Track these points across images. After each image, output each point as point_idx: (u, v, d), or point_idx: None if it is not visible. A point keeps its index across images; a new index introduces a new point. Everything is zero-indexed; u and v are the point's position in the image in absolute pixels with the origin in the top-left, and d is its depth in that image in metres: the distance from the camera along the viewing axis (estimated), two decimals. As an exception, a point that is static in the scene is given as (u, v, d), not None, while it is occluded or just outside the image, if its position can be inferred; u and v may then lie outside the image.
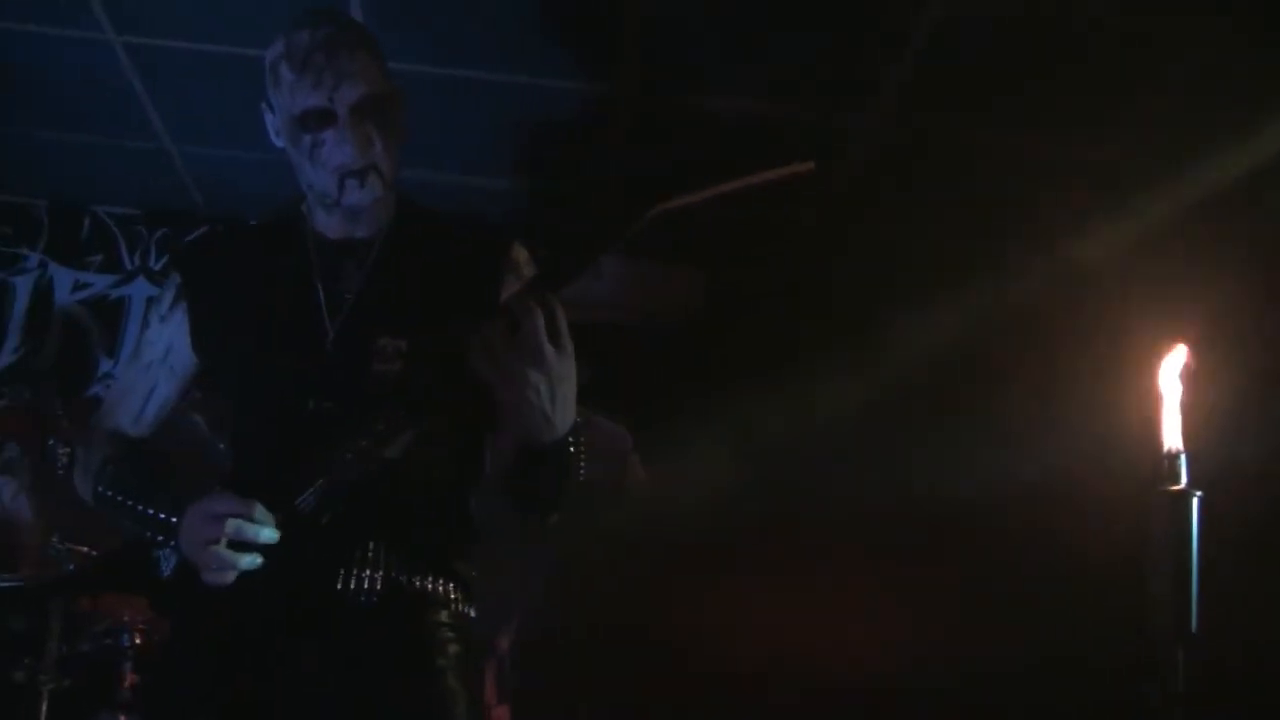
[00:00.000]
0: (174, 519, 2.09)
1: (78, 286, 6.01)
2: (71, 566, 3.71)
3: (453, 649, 2.17)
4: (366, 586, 2.11)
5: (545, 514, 2.29)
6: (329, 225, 2.31)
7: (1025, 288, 5.16)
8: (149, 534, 2.16)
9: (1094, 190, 4.96)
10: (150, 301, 2.49)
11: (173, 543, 2.09)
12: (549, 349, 1.91)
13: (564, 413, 1.99)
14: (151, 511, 2.15)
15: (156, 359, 2.36)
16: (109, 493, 2.26)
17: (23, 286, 6.02)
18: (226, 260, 2.38)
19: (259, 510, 1.99)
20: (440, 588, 2.21)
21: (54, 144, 5.49)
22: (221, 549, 1.97)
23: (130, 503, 2.20)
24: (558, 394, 1.95)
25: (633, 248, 1.87)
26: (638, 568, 4.90)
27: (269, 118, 2.28)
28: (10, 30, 4.57)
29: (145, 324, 2.41)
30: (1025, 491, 4.77)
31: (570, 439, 2.05)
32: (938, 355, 5.16)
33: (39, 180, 5.92)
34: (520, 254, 2.30)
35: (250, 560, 1.98)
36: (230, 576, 1.98)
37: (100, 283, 6.00)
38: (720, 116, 4.73)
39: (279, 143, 2.28)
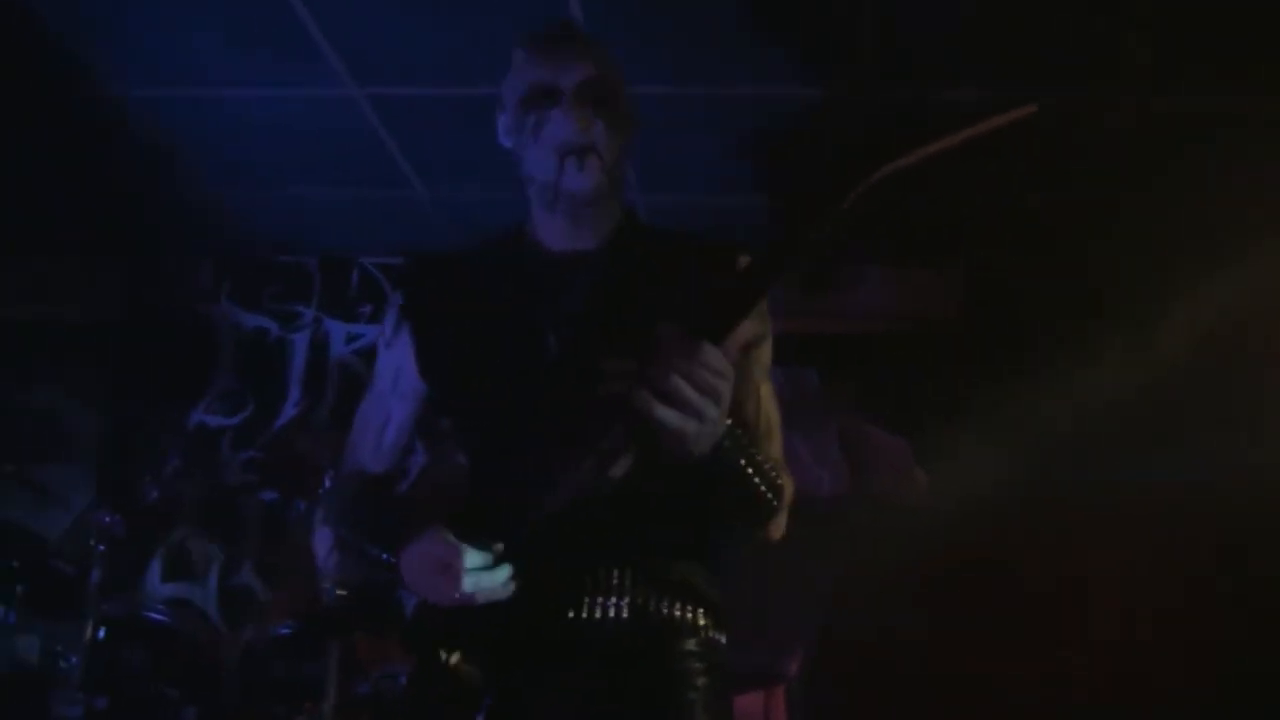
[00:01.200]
0: (392, 559, 2.07)
1: (350, 338, 6.21)
2: (337, 609, 3.78)
3: (701, 681, 2.07)
4: (612, 615, 2.04)
5: (747, 526, 2.17)
6: (551, 233, 2.25)
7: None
8: (383, 576, 2.13)
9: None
10: (350, 336, 2.50)
11: (400, 582, 2.07)
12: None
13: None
14: (374, 552, 2.14)
15: (387, 388, 2.35)
16: (347, 536, 2.26)
17: (300, 342, 6.26)
18: (447, 279, 2.35)
19: (471, 555, 1.94)
20: (688, 614, 2.11)
21: (316, 201, 5.69)
22: (457, 595, 1.94)
23: (362, 544, 2.20)
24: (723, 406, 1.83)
25: (853, 220, 1.73)
26: (926, 579, 4.76)
27: (500, 119, 2.28)
28: (262, 96, 4.74)
29: (376, 356, 2.41)
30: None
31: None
32: (1214, 335, 4.85)
33: (308, 238, 6.16)
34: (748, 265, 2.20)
35: (491, 597, 1.94)
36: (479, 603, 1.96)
37: (371, 333, 6.16)
38: (960, 106, 4.53)
39: (506, 142, 2.27)
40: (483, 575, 1.93)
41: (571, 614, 2.04)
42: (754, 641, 4.40)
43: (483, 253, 2.36)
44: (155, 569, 4.99)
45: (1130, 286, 5.10)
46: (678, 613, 2.10)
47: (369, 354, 6.10)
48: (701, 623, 2.12)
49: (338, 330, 6.23)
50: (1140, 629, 4.85)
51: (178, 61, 4.54)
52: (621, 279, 2.21)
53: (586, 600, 2.04)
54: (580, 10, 4.07)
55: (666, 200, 5.13)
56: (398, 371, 2.33)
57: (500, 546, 1.97)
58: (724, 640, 2.17)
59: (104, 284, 6.38)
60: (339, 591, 3.80)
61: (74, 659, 3.82)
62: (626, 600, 2.05)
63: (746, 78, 4.50)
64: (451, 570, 1.93)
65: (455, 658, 2.04)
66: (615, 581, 2.06)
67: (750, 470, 1.97)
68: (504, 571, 1.94)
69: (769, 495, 2.05)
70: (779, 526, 2.17)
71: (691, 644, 2.10)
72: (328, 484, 2.41)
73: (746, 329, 2.06)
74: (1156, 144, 4.76)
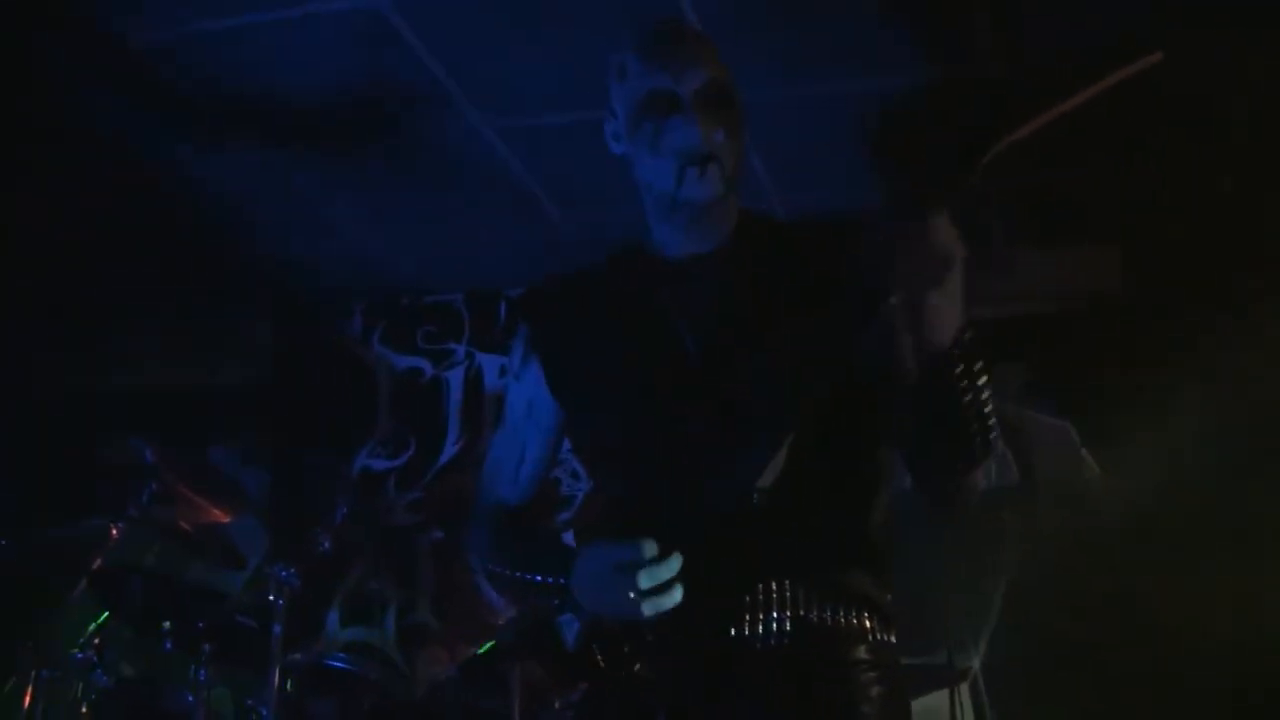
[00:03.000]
0: (562, 580, 2.04)
1: (504, 371, 6.23)
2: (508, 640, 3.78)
3: (875, 690, 2.02)
4: (775, 629, 1.99)
5: (955, 470, 2.05)
6: (670, 240, 2.20)
7: None
8: (546, 601, 2.11)
9: None
10: (503, 369, 2.48)
11: (571, 605, 2.04)
12: (948, 253, 1.75)
13: (953, 321, 1.82)
14: (539, 578, 2.10)
15: (520, 420, 2.32)
16: (497, 569, 2.24)
17: (455, 379, 6.33)
18: (569, 300, 2.33)
19: (649, 546, 1.89)
20: (854, 620, 2.05)
21: (458, 237, 5.76)
22: (639, 599, 1.88)
23: (518, 574, 2.17)
24: (950, 305, 1.80)
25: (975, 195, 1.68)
26: (1100, 569, 4.62)
27: (609, 125, 2.25)
28: (401, 138, 4.82)
29: (505, 390, 2.39)
30: None
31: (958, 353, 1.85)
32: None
33: (454, 275, 6.24)
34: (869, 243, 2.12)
35: (672, 599, 1.89)
36: (668, 605, 1.89)
37: (524, 363, 6.20)
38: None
39: (617, 149, 2.24)
40: (659, 569, 1.88)
41: (734, 631, 2.00)
42: (934, 641, 4.33)
43: (602, 268, 2.33)
44: (333, 616, 5.07)
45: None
46: (843, 619, 2.04)
47: (523, 385, 6.14)
48: (869, 625, 2.07)
49: (490, 364, 6.29)
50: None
51: (313, 111, 4.64)
52: (748, 274, 2.16)
53: (748, 616, 2.00)
54: (694, 14, 4.03)
55: (800, 200, 5.07)
56: (530, 403, 2.31)
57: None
58: (894, 640, 2.12)
59: (256, 342, 6.54)
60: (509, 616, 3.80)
61: (265, 711, 3.89)
62: (789, 613, 2.00)
63: (863, 72, 4.42)
64: (629, 567, 1.88)
65: (625, 690, 2.03)
66: (776, 594, 2.01)
67: (966, 390, 1.88)
68: (676, 562, 1.89)
69: (977, 428, 1.93)
70: (974, 487, 2.09)
71: (861, 651, 2.04)
72: (477, 535, 2.38)
73: None
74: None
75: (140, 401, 6.45)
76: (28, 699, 4.24)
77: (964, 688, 4.46)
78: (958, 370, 1.85)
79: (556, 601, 2.07)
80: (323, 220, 5.52)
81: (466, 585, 5.07)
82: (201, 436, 5.90)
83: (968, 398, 1.88)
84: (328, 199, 5.35)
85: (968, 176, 1.69)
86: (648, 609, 1.87)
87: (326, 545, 4.29)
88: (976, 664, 4.67)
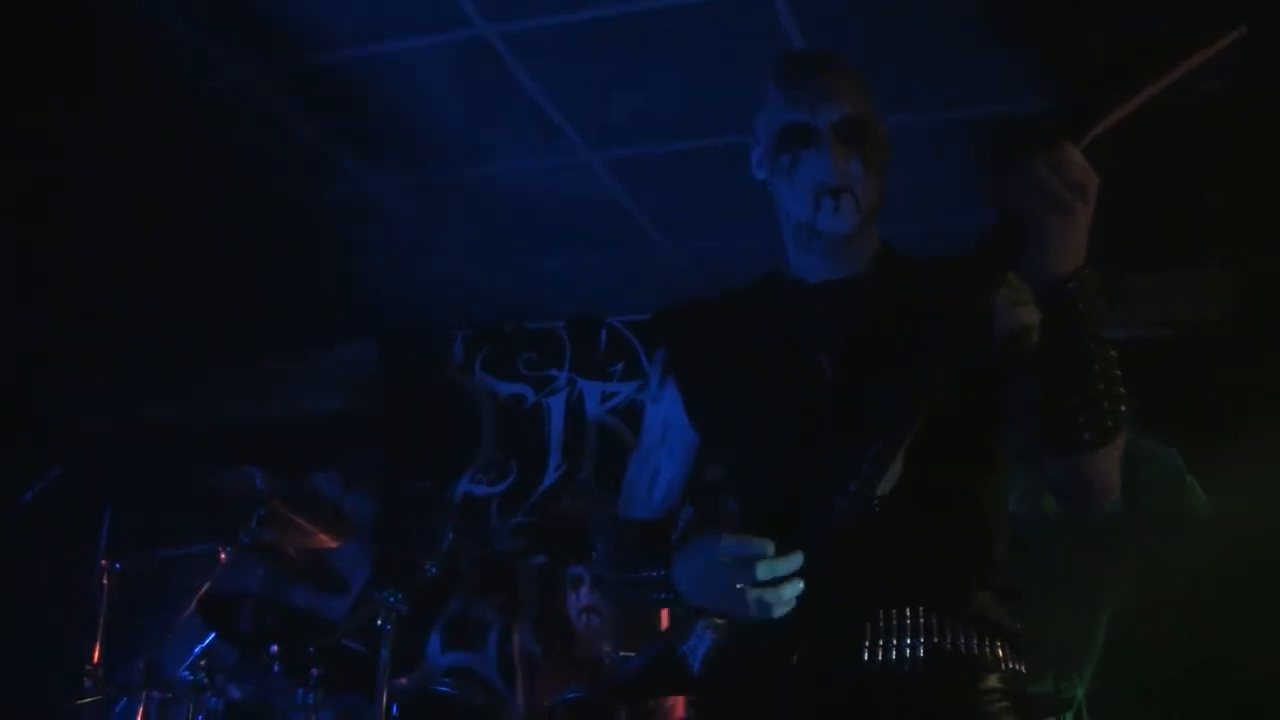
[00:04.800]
0: (661, 572, 2.06)
1: (605, 397, 6.28)
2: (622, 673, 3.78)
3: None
4: (909, 655, 1.96)
5: (1069, 440, 1.90)
6: (808, 268, 2.22)
7: None
8: (648, 597, 2.12)
9: None
10: (642, 388, 2.48)
11: (672, 599, 2.05)
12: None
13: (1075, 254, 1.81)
14: (644, 574, 2.12)
15: (654, 442, 2.33)
16: (605, 575, 2.28)
17: (557, 406, 6.36)
18: (707, 324, 2.33)
19: (768, 543, 1.87)
20: (987, 648, 2.01)
21: (561, 266, 5.79)
22: (753, 593, 1.85)
23: (626, 575, 2.20)
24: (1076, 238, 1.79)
25: None
26: (1209, 600, 4.53)
27: (754, 152, 2.26)
28: (506, 168, 4.86)
29: (642, 413, 2.40)
30: None
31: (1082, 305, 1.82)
32: None
33: (556, 303, 6.29)
34: (1016, 282, 2.03)
35: (792, 590, 1.85)
36: (779, 611, 1.86)
37: (625, 390, 6.24)
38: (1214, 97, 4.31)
39: (759, 174, 2.25)
40: (777, 563, 1.85)
41: (866, 657, 1.96)
42: (1040, 668, 4.28)
43: (740, 294, 2.33)
44: (435, 641, 5.10)
45: None
46: (976, 648, 2.00)
47: (624, 412, 6.17)
48: (1001, 654, 2.03)
49: (592, 390, 6.32)
50: None
51: (418, 144, 4.70)
52: (885, 300, 2.15)
53: (881, 642, 1.97)
54: (801, 43, 4.03)
55: (908, 229, 5.03)
56: (665, 425, 2.32)
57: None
58: (1024, 670, 2.07)
59: (361, 370, 6.62)
60: (623, 654, 3.81)
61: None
62: (923, 640, 1.97)
63: (971, 99, 4.39)
64: (746, 561, 1.86)
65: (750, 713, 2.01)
66: (909, 620, 1.98)
67: (1093, 353, 1.84)
68: (797, 559, 1.86)
69: (1106, 395, 1.85)
70: (1111, 468, 1.94)
71: (994, 680, 2.00)
72: (599, 548, 2.39)
73: (1022, 317, 1.98)
74: None
75: (248, 429, 6.58)
76: (139, 720, 4.32)
77: (1068, 718, 4.40)
78: (1079, 304, 1.82)
79: (660, 596, 2.08)
80: (426, 246, 5.58)
81: (567, 612, 5.09)
82: (305, 463, 5.98)
83: (1088, 335, 1.84)
84: (434, 226, 5.41)
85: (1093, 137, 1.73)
86: (757, 605, 1.85)
87: (434, 570, 4.32)
88: (1080, 694, 4.61)
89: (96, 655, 4.28)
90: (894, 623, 1.97)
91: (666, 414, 2.31)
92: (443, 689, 4.32)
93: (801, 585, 1.86)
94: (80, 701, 4.22)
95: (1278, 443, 4.65)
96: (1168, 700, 4.50)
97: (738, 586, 1.86)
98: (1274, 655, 4.34)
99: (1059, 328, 1.84)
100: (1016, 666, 2.05)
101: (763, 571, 1.84)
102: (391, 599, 3.95)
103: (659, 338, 2.41)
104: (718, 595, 1.93)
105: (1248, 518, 4.57)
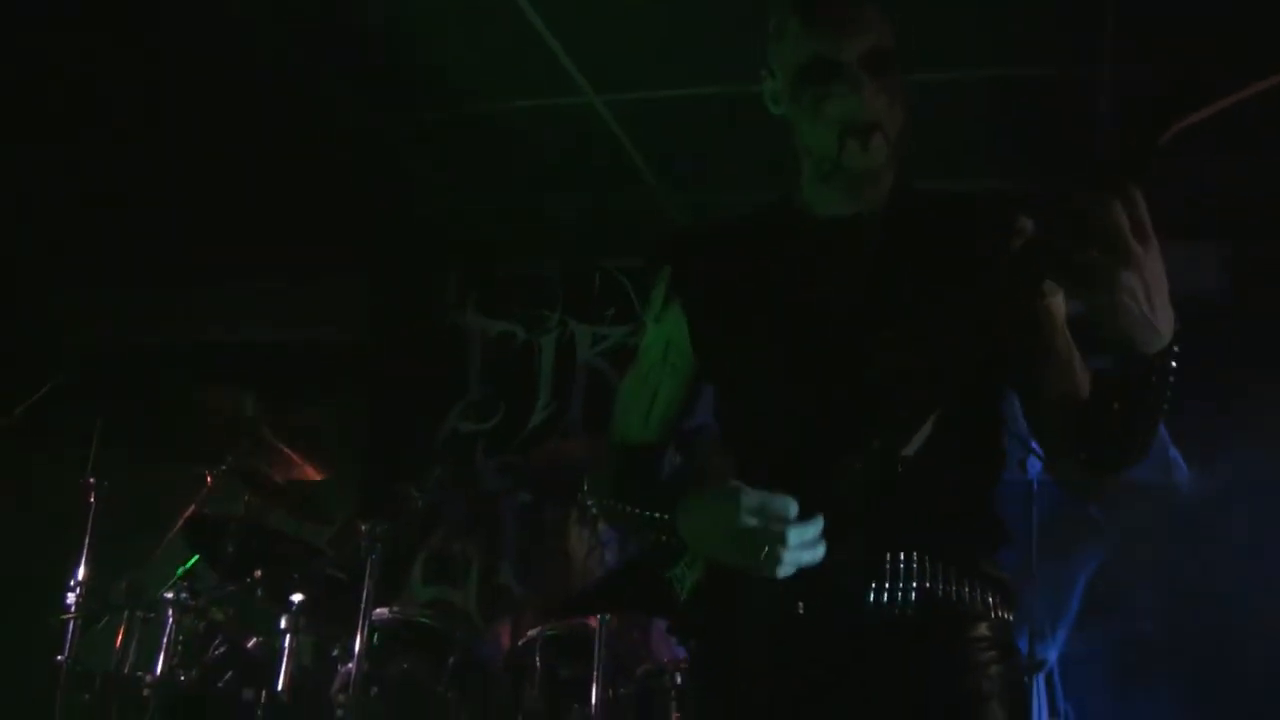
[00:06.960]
0: (665, 516, 2.03)
1: (596, 340, 6.29)
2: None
3: (995, 670, 1.98)
4: (900, 599, 1.94)
5: (1111, 466, 1.92)
6: (822, 199, 2.15)
7: None
8: (655, 538, 2.08)
9: None
10: (644, 306, 2.40)
11: (674, 544, 2.03)
12: (1135, 244, 1.63)
13: (1165, 315, 1.70)
14: (648, 514, 2.08)
15: (655, 362, 2.27)
16: (611, 503, 2.23)
17: (548, 345, 6.37)
18: (714, 250, 2.26)
19: (792, 503, 1.84)
20: (978, 595, 2.00)
21: (557, 209, 5.79)
22: (781, 554, 1.82)
23: (630, 509, 2.16)
24: (1155, 294, 1.67)
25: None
26: (1185, 568, 4.58)
27: (768, 85, 2.16)
28: (503, 108, 4.85)
29: (642, 332, 2.33)
30: None
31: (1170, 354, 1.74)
32: None
33: (550, 245, 6.30)
34: (1026, 225, 2.03)
35: (814, 555, 1.84)
36: (787, 570, 1.84)
37: (616, 334, 6.25)
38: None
39: (776, 110, 2.16)
40: (806, 527, 1.83)
41: (858, 600, 1.94)
42: (1017, 628, 4.33)
43: (748, 221, 2.27)
44: (416, 573, 5.12)
45: None
46: (966, 594, 1.99)
47: (615, 356, 6.18)
48: (991, 602, 2.02)
49: (584, 333, 6.33)
50: None
51: (419, 79, 4.70)
52: (900, 239, 2.10)
53: (875, 585, 1.95)
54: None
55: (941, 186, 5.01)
56: (667, 345, 2.25)
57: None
58: (1012, 618, 2.07)
59: (353, 302, 6.62)
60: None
61: (349, 664, 3.95)
62: (915, 584, 1.95)
63: (1014, 59, 4.38)
64: (774, 521, 1.83)
65: (740, 650, 2.00)
66: (903, 565, 1.96)
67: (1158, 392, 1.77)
68: (819, 525, 1.84)
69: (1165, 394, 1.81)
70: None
71: (983, 628, 2.00)
72: (596, 478, 2.36)
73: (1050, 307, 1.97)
74: None
75: (236, 354, 6.57)
76: (119, 637, 4.35)
77: (1039, 678, 4.45)
78: (1153, 378, 1.76)
79: (664, 537, 2.05)
80: (425, 182, 5.58)
81: (552, 550, 5.11)
82: (296, 392, 5.97)
83: (1156, 398, 1.79)
84: (433, 161, 5.41)
85: (1145, 158, 1.63)
86: (788, 566, 1.83)
87: (420, 503, 4.34)
88: (1054, 656, 4.66)
89: (82, 572, 4.30)
90: (893, 568, 1.95)
91: (669, 334, 2.25)
92: (424, 620, 4.35)
93: (823, 552, 1.85)
94: (63, 617, 4.24)
95: (1263, 416, 4.69)
96: (1143, 667, 4.56)
97: (766, 548, 1.83)
98: (1247, 624, 4.40)
99: (1134, 392, 1.80)
100: (1005, 615, 2.04)
101: (794, 538, 1.82)
102: (378, 529, 3.97)
103: (665, 256, 2.32)
104: (733, 551, 1.90)
105: (1229, 490, 4.61)
